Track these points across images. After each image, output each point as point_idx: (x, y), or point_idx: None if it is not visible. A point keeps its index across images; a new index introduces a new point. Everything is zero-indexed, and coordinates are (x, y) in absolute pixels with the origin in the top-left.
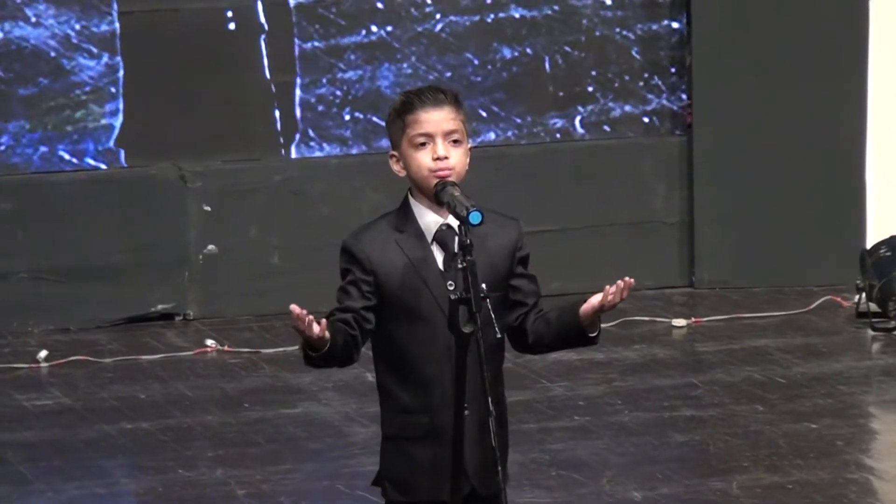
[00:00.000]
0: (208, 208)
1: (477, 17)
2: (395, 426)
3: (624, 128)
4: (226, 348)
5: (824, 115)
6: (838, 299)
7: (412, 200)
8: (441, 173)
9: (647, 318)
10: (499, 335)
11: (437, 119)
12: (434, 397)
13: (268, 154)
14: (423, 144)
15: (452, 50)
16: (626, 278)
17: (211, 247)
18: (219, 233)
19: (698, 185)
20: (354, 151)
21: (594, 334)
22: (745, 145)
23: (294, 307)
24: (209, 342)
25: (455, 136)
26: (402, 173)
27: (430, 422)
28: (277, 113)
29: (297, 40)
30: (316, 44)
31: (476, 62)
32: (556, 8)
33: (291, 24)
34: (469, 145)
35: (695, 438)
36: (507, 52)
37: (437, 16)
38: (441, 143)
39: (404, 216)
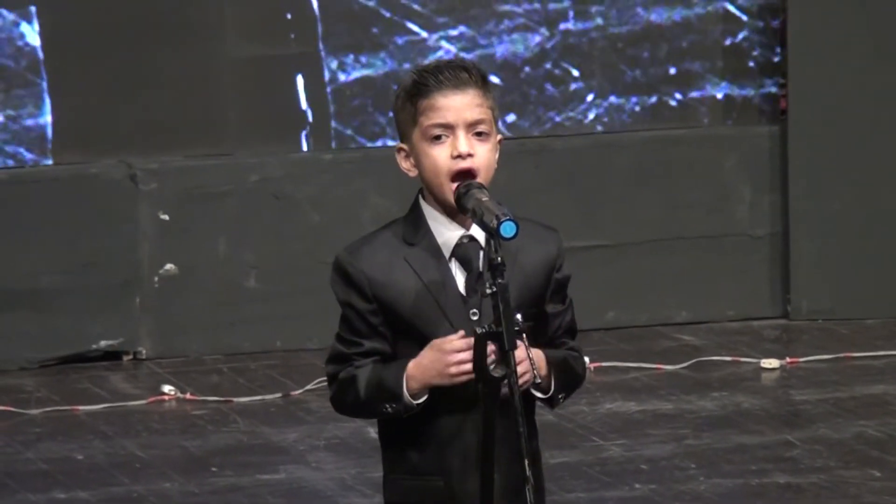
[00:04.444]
0: (165, 216)
1: None
2: (400, 492)
3: (699, 114)
4: (188, 396)
5: None
6: None
7: (424, 205)
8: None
9: (728, 358)
10: (538, 380)
11: (458, 105)
12: (451, 457)
13: (242, 147)
14: (440, 138)
15: None
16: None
17: (169, 266)
18: (179, 248)
19: (794, 189)
20: (353, 144)
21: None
22: (854, 137)
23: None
24: (167, 388)
25: (481, 128)
26: (413, 172)
27: (446, 487)
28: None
29: None
30: None
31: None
32: None
33: None
34: (499, 137)
35: None
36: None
37: None
38: (463, 137)
39: (415, 225)
